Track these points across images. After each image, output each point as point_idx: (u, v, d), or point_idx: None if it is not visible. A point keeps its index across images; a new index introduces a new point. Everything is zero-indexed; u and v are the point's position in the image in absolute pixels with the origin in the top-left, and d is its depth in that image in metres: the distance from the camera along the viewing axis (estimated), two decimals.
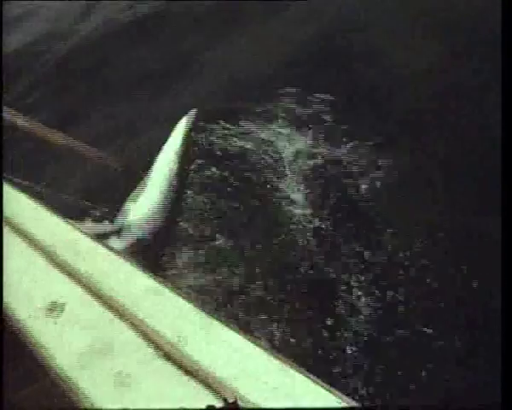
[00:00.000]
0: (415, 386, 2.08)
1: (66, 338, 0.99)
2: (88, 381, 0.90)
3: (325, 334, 2.34)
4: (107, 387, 0.89)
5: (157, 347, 0.90)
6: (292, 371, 0.84)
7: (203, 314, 0.93)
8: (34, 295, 1.07)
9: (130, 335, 0.94)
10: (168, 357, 0.88)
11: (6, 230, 1.24)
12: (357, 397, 2.10)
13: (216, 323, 0.91)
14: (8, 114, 2.11)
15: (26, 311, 1.05)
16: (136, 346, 0.91)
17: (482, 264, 2.32)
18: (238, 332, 0.90)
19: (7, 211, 1.30)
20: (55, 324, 1.01)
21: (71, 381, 0.92)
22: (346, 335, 2.30)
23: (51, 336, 1.00)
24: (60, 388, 0.93)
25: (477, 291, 2.25)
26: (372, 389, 2.11)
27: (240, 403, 0.87)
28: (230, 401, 0.88)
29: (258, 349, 0.87)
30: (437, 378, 2.08)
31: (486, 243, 2.37)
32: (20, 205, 1.34)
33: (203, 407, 0.82)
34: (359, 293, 2.44)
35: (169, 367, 0.86)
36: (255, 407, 0.87)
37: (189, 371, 0.85)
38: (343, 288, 2.48)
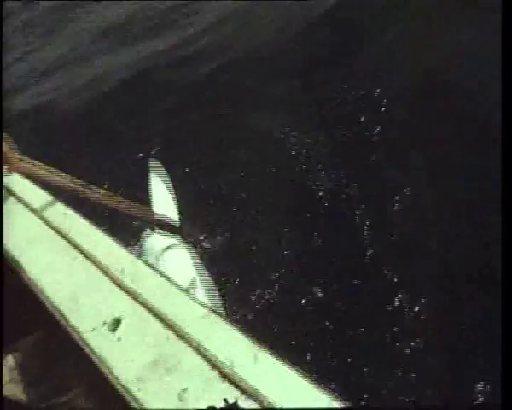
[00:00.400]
0: (414, 386, 2.09)
1: (129, 353, 1.05)
2: (151, 396, 0.96)
3: None
4: (170, 403, 0.94)
5: (215, 367, 0.96)
6: (334, 404, 0.89)
7: (251, 342, 1.00)
8: (96, 311, 1.15)
9: (189, 354, 1.00)
10: (227, 378, 0.94)
11: (66, 245, 1.35)
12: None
13: (263, 351, 0.97)
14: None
15: (89, 325, 1.12)
16: (197, 365, 0.98)
17: (482, 263, 2.33)
18: (283, 361, 0.95)
19: (64, 227, 1.41)
20: (118, 340, 1.08)
21: (133, 394, 0.97)
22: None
23: (113, 350, 1.06)
24: (121, 399, 0.98)
25: (477, 291, 2.26)
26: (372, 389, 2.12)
27: (240, 404, 0.89)
28: (231, 401, 0.89)
29: (302, 380, 0.93)
30: (436, 378, 2.09)
31: (486, 243, 2.38)
32: (74, 222, 1.45)
33: None
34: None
35: (228, 387, 0.93)
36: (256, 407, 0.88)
37: (248, 392, 0.91)
38: None
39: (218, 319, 1.06)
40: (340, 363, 2.24)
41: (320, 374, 1.84)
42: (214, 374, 0.95)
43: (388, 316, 2.31)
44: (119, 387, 1.00)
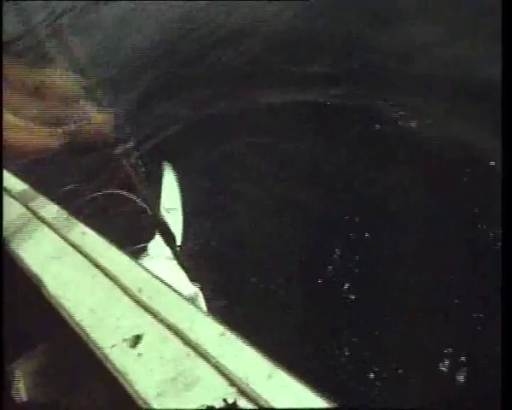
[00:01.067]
0: (414, 386, 2.09)
1: (149, 369, 1.08)
2: None
3: None
4: None
5: (233, 384, 0.99)
6: None
7: (265, 360, 1.03)
8: (116, 328, 1.18)
9: (208, 371, 1.03)
10: (244, 394, 0.97)
11: (85, 263, 1.40)
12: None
13: (276, 369, 1.01)
14: None
15: (109, 341, 1.15)
16: (216, 382, 1.00)
17: (482, 263, 2.34)
18: (296, 378, 0.98)
19: (82, 245, 1.46)
20: (138, 355, 1.11)
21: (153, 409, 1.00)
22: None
23: (134, 366, 1.09)
24: None
25: (477, 291, 2.26)
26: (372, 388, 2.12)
27: (239, 404, 0.89)
28: (230, 401, 0.90)
29: (315, 397, 0.96)
30: (436, 379, 2.09)
31: (486, 243, 2.38)
32: (92, 240, 1.50)
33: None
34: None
35: (246, 404, 0.95)
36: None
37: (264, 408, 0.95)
38: None
39: (234, 338, 1.09)
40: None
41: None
42: (232, 391, 0.97)
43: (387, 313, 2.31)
44: (139, 401, 1.03)
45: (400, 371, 2.13)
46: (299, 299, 2.52)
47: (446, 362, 2.11)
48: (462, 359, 2.10)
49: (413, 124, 3.25)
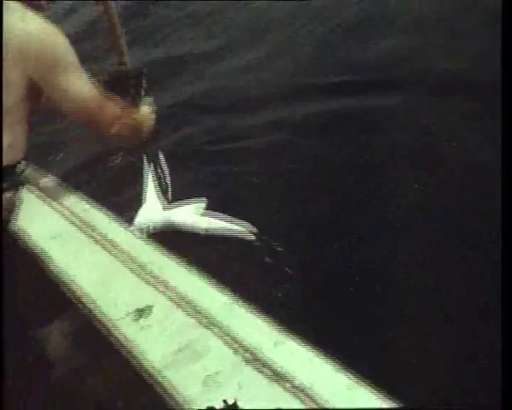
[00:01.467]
0: (413, 386, 2.08)
1: (156, 340, 1.10)
2: (177, 381, 1.00)
3: None
4: (196, 388, 0.98)
5: (239, 353, 1.01)
6: (356, 386, 0.99)
7: (273, 329, 1.06)
8: (123, 300, 1.21)
9: (215, 341, 1.05)
10: (250, 363, 0.98)
11: (89, 239, 1.41)
12: None
13: (284, 336, 1.04)
14: None
15: (116, 315, 1.17)
16: (223, 351, 1.03)
17: (481, 261, 2.33)
18: (304, 345, 1.02)
19: (85, 222, 1.49)
20: (145, 327, 1.13)
21: (159, 380, 1.01)
22: None
23: (141, 337, 1.12)
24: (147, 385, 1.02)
25: (476, 290, 2.26)
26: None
27: (239, 405, 0.90)
28: (230, 402, 0.90)
29: (323, 361, 1.00)
30: (435, 379, 2.09)
31: (486, 243, 2.38)
32: (95, 216, 1.53)
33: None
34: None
35: (251, 371, 0.98)
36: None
37: (271, 376, 0.97)
38: None
39: (239, 307, 1.11)
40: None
41: None
42: (238, 359, 0.98)
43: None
44: (145, 373, 1.04)
45: (400, 371, 2.13)
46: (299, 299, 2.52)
47: (446, 362, 2.11)
48: (462, 359, 2.10)
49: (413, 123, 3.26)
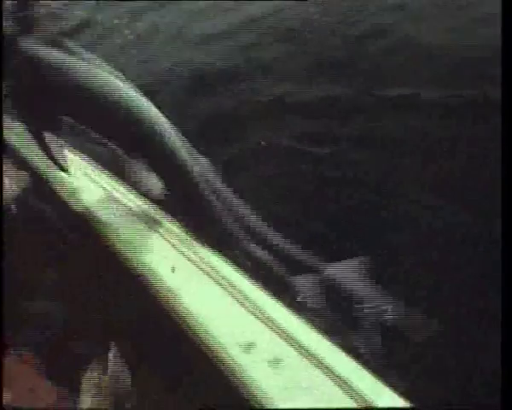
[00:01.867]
0: (413, 386, 2.08)
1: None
2: None
3: None
4: None
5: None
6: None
7: None
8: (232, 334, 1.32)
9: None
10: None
11: (199, 274, 1.53)
12: None
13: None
14: None
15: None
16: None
17: (482, 263, 2.33)
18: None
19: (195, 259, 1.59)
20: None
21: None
22: None
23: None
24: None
25: (476, 290, 2.26)
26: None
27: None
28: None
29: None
30: (435, 379, 2.09)
31: (486, 243, 2.38)
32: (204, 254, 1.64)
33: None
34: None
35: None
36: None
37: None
38: None
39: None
40: None
41: None
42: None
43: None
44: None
45: (400, 371, 2.13)
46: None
47: (446, 362, 2.11)
48: (462, 359, 2.10)
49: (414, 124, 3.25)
